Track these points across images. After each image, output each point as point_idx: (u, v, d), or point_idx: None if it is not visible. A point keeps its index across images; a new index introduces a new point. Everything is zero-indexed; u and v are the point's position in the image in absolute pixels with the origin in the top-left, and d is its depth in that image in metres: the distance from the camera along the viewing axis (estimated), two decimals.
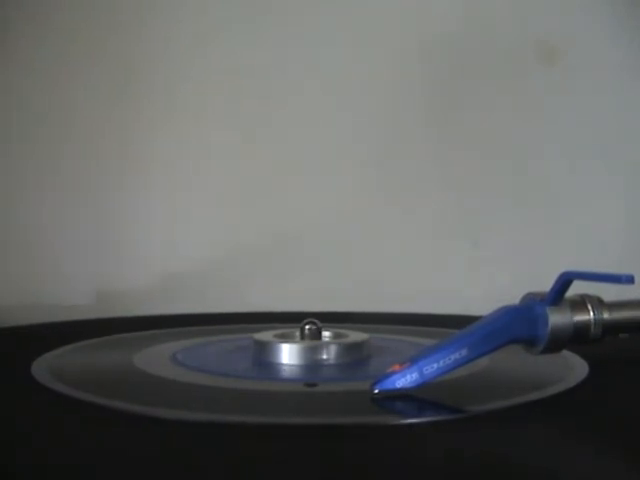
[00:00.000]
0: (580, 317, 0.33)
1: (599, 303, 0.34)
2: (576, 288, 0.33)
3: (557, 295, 0.32)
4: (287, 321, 0.43)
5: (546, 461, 0.24)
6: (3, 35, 0.63)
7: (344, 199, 0.67)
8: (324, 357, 0.37)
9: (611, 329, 0.34)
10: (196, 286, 0.65)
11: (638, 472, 0.23)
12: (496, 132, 0.67)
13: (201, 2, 0.66)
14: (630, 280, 0.30)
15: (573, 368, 0.36)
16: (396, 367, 0.30)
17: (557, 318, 0.32)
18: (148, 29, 0.65)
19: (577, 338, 0.33)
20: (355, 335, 0.40)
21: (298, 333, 0.39)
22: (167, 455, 0.24)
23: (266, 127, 0.66)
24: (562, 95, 0.67)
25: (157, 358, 0.40)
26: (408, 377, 0.30)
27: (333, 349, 0.38)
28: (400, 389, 0.30)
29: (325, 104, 0.67)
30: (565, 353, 0.37)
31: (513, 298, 0.34)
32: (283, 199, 0.66)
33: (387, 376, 0.30)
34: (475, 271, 0.66)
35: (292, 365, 0.37)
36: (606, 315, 0.34)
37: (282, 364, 0.37)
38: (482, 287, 0.63)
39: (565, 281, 0.32)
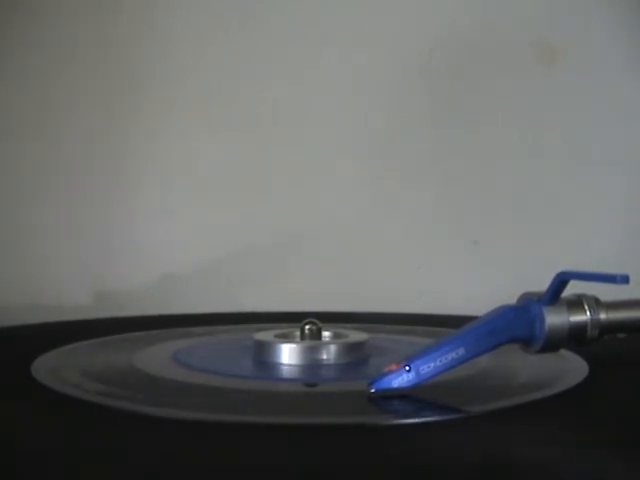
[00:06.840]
0: (577, 317, 0.33)
1: (596, 303, 0.34)
2: (576, 288, 0.33)
3: (554, 295, 0.32)
4: (287, 321, 0.43)
5: (546, 461, 0.24)
6: (3, 37, 0.63)
7: (343, 199, 0.67)
8: (324, 357, 0.37)
9: (608, 329, 0.34)
10: (196, 286, 0.65)
11: (638, 472, 0.23)
12: (496, 132, 0.67)
13: (200, 5, 0.66)
14: (625, 280, 0.30)
15: (573, 368, 0.36)
16: (393, 367, 0.30)
17: (554, 318, 0.32)
18: (148, 30, 0.65)
19: (574, 338, 0.33)
20: (355, 335, 0.40)
21: (298, 333, 0.40)
22: (167, 455, 0.24)
23: (265, 127, 0.66)
24: (562, 95, 0.67)
25: (157, 358, 0.40)
26: (404, 376, 0.30)
27: (333, 349, 0.38)
28: (396, 389, 0.30)
29: (325, 103, 0.67)
30: (565, 353, 0.37)
31: (513, 298, 0.34)
32: (282, 199, 0.66)
33: (383, 376, 0.30)
34: (475, 271, 0.66)
35: (292, 365, 0.37)
36: (603, 315, 0.34)
37: (282, 364, 0.37)
38: (482, 287, 0.63)
39: (561, 281, 0.32)
